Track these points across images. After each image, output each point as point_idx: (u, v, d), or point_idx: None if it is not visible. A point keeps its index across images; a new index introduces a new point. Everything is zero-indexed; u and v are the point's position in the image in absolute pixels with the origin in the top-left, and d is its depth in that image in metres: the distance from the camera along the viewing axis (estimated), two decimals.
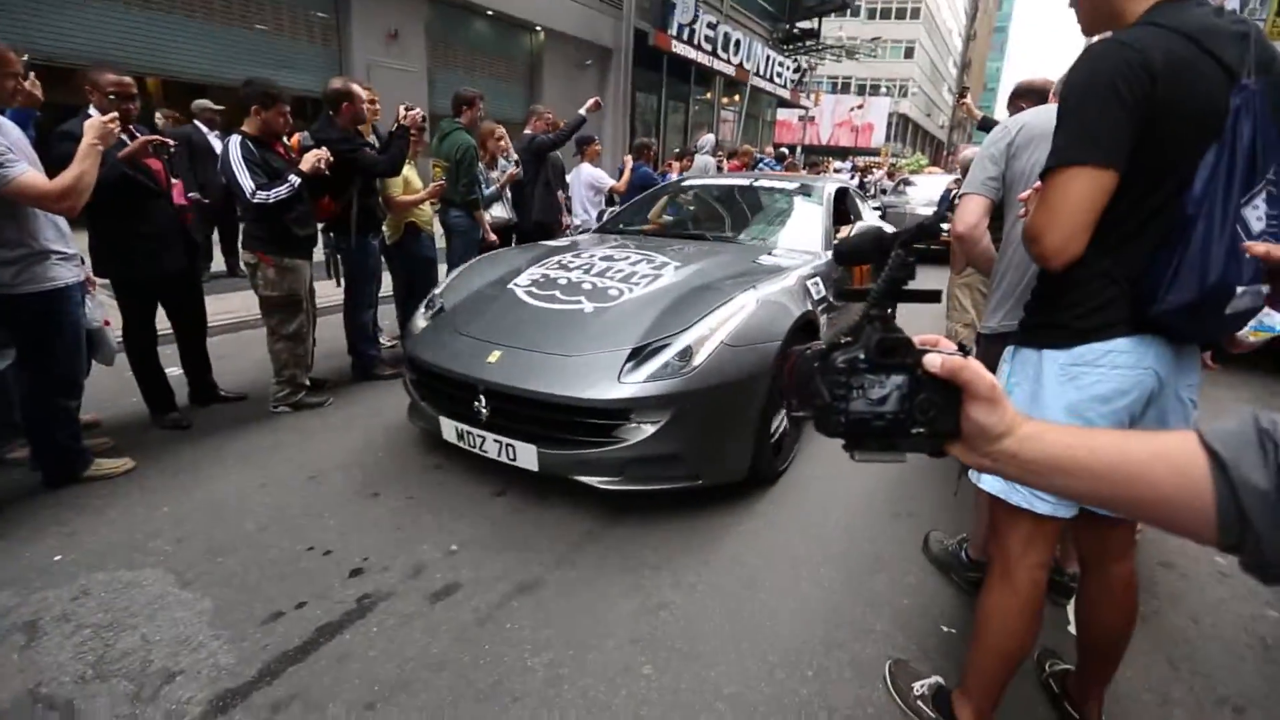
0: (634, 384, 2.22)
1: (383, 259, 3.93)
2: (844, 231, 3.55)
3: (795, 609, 1.98)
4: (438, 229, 4.27)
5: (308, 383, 3.40)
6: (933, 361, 0.54)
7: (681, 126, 19.69)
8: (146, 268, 2.88)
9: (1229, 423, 0.50)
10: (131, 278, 2.91)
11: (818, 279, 3.02)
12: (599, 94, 7.33)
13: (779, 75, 22.84)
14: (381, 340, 4.21)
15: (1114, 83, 1.06)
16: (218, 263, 6.27)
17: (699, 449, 2.32)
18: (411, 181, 3.91)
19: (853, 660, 1.78)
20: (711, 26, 17.32)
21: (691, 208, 4.55)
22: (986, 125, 4.04)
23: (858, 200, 4.85)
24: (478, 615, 1.89)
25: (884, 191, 13.57)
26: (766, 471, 2.61)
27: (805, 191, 4.09)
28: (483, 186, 4.42)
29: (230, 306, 4.96)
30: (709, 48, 17.48)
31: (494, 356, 2.42)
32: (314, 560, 2.12)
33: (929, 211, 10.09)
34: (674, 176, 6.71)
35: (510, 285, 2.92)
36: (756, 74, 20.73)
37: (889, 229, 0.64)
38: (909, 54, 46.80)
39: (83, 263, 2.48)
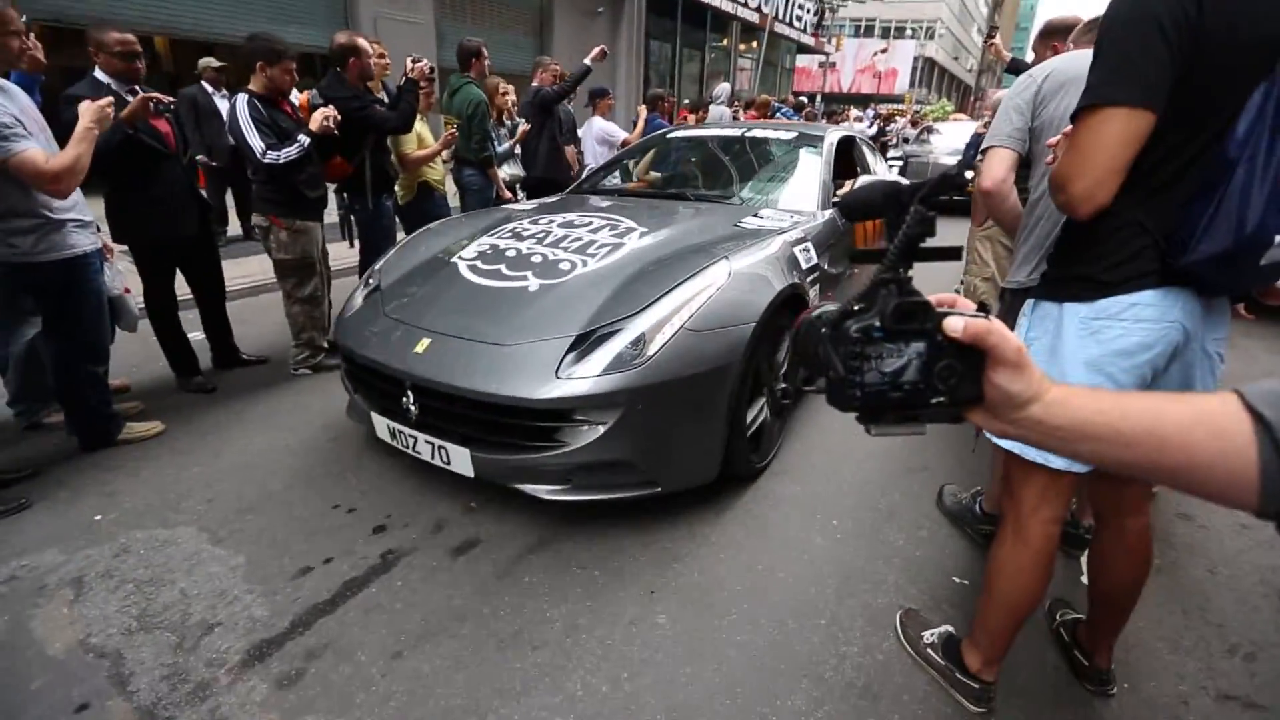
0: (575, 379, 1.89)
1: (397, 219, 3.91)
2: (846, 187, 3.22)
3: (808, 560, 2.01)
4: (450, 188, 4.23)
5: (326, 345, 3.45)
6: (954, 325, 0.50)
7: (697, 76, 19.04)
8: (162, 230, 2.90)
9: (1272, 382, 0.47)
10: (148, 242, 2.93)
11: (808, 244, 2.65)
12: (611, 43, 7.08)
13: (799, 19, 21.85)
14: None
15: (1157, 15, 1.00)
16: (234, 227, 6.29)
17: (655, 453, 2.01)
18: (424, 137, 3.85)
19: (864, 609, 1.82)
20: None
21: (676, 163, 4.07)
22: (1016, 68, 3.84)
23: (866, 151, 4.36)
24: (497, 569, 1.96)
25: (906, 141, 13.10)
26: (743, 470, 2.32)
27: (804, 142, 3.61)
28: (494, 143, 4.35)
29: (248, 270, 5.01)
30: None
31: (422, 346, 2.09)
32: (339, 518, 2.19)
33: (953, 161, 9.75)
34: None
35: (454, 259, 2.56)
36: (776, 17, 19.86)
37: (903, 181, 0.58)
38: None
39: (98, 230, 2.51)
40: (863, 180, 2.95)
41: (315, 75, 7.32)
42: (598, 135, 5.31)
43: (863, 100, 29.48)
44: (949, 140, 10.61)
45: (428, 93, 3.71)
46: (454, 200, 4.26)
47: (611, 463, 1.95)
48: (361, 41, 3.38)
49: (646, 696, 1.54)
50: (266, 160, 2.88)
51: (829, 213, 3.00)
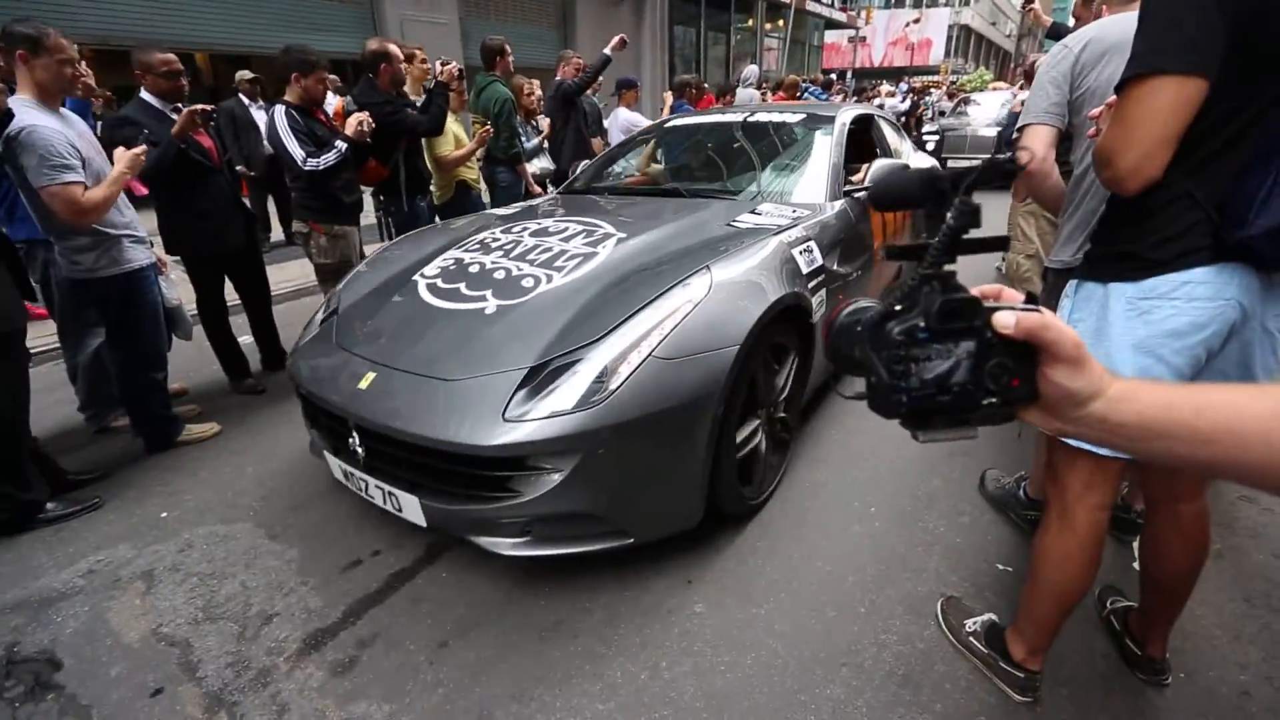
0: (525, 422, 1.62)
1: (436, 219, 3.99)
2: (862, 172, 2.89)
3: (847, 549, 2.00)
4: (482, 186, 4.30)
5: None
6: (1005, 321, 0.46)
7: (723, 59, 18.77)
8: (211, 245, 3.02)
9: None
10: (199, 254, 3.07)
11: (811, 244, 2.31)
12: (634, 31, 7.02)
13: None
14: None
15: None
16: (277, 233, 6.51)
17: (622, 501, 1.75)
18: (460, 137, 3.91)
19: (904, 598, 1.80)
20: None
21: (676, 155, 3.72)
22: (1057, 33, 3.67)
23: (888, 130, 3.90)
24: (538, 561, 2.00)
25: (942, 114, 12.66)
26: (734, 509, 2.06)
27: (811, 124, 3.20)
28: (523, 139, 4.39)
29: (290, 275, 5.19)
30: None
31: (366, 381, 1.86)
32: (384, 513, 2.27)
33: (992, 134, 9.38)
34: None
35: (415, 276, 2.30)
36: None
37: (935, 166, 0.52)
38: None
39: (151, 245, 2.64)
40: (880, 164, 2.71)
41: (350, 84, 7.47)
42: (623, 125, 5.30)
43: (895, 74, 28.52)
44: (987, 111, 10.20)
45: (458, 91, 3.76)
46: (486, 198, 4.33)
47: (571, 514, 1.71)
48: (392, 47, 3.44)
49: (685, 684, 1.56)
50: (307, 167, 2.97)
51: (839, 204, 2.68)
